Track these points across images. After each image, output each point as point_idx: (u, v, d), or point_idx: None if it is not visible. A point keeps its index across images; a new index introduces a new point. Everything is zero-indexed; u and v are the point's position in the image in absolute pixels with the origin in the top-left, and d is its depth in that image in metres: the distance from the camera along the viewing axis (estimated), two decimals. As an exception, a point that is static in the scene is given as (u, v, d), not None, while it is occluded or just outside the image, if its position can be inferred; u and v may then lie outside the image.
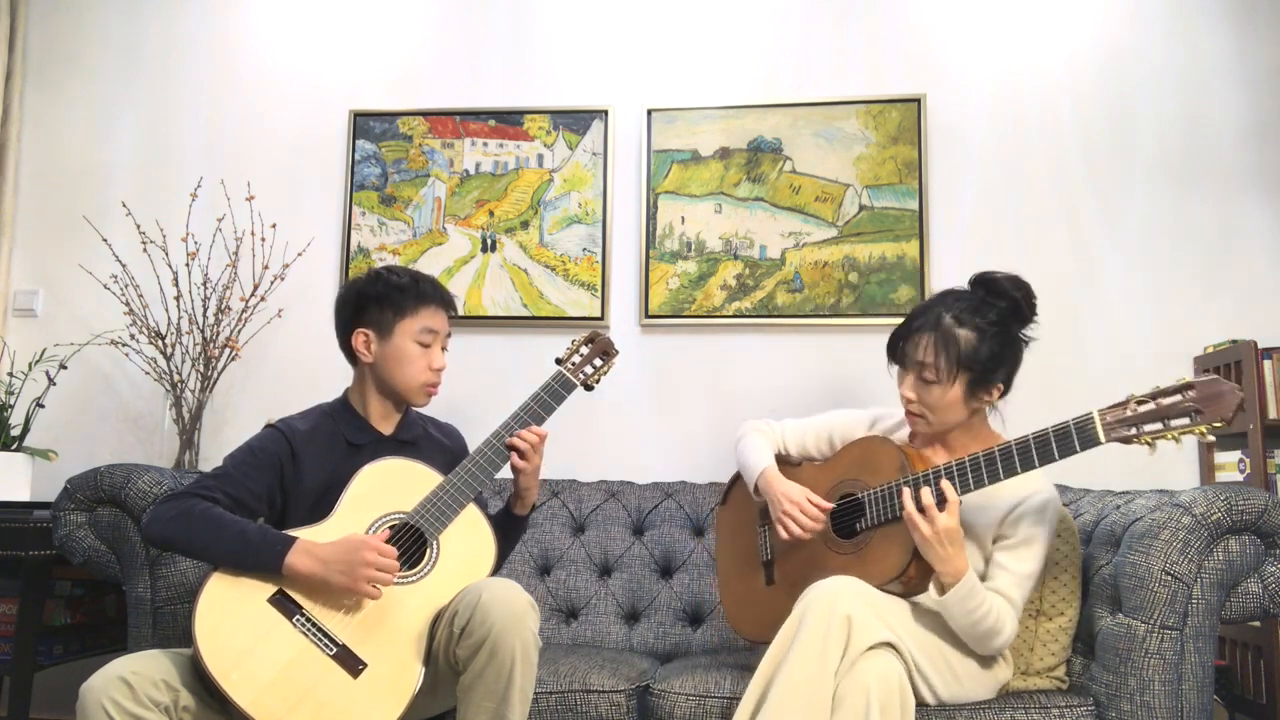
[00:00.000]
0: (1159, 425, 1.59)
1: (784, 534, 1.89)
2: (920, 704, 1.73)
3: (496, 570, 1.83)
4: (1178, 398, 1.59)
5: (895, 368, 1.92)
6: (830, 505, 1.90)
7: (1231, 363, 2.54)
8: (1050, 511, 1.82)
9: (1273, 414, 2.45)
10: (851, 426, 2.06)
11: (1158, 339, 2.75)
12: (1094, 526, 2.02)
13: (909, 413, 1.88)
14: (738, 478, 2.17)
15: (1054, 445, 1.67)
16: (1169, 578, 1.71)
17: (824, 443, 2.08)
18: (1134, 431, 1.61)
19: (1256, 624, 2.36)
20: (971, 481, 1.73)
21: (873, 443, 1.92)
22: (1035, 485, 1.81)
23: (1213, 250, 2.77)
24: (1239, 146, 2.80)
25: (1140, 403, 1.62)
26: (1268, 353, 2.49)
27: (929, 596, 1.78)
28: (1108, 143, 2.85)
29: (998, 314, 1.84)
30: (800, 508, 1.88)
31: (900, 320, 1.93)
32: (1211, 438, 1.54)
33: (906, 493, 1.73)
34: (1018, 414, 2.02)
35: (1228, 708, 2.47)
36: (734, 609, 2.10)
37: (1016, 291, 1.86)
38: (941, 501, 1.71)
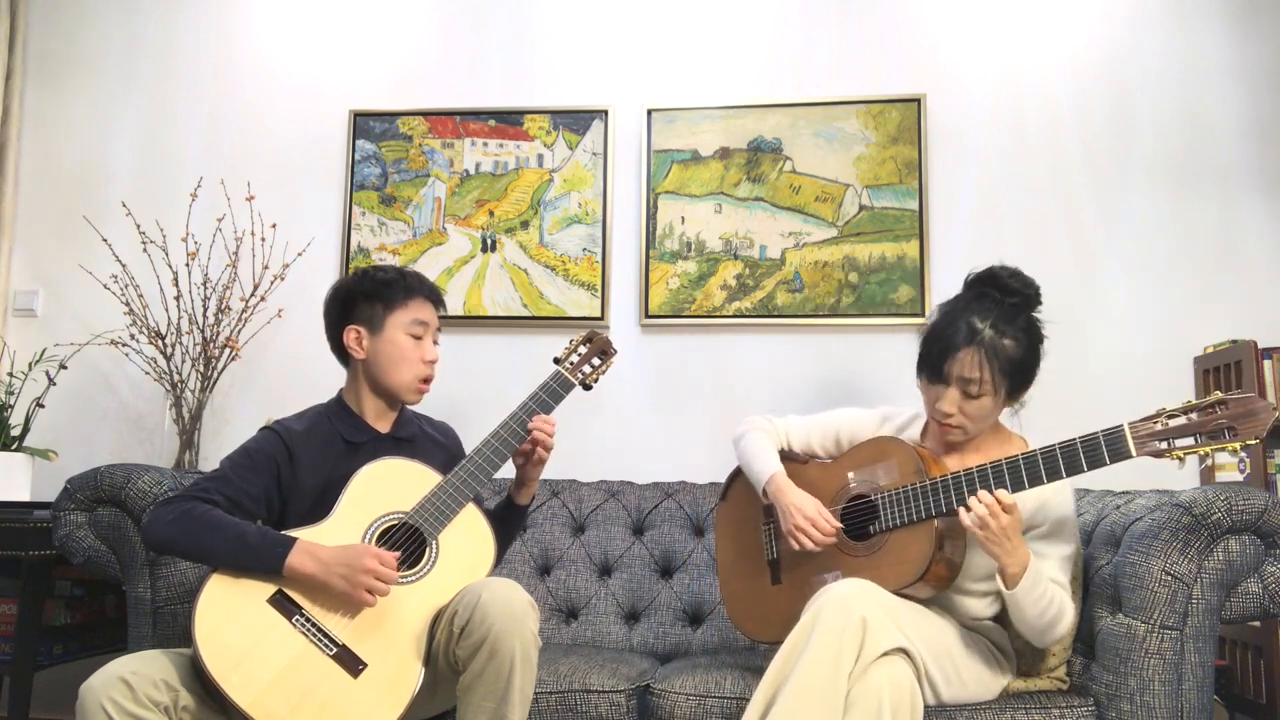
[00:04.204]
0: (1191, 441, 1.58)
1: (795, 546, 1.88)
2: (919, 704, 1.74)
3: (497, 564, 1.83)
4: (1210, 413, 1.58)
5: (923, 382, 1.88)
6: (838, 526, 1.88)
7: (1231, 363, 2.54)
8: (1068, 490, 1.83)
9: (1273, 414, 2.45)
10: (859, 426, 2.03)
11: (1158, 338, 2.75)
12: (1094, 526, 2.02)
13: (947, 425, 1.84)
14: (738, 474, 2.14)
15: (1082, 456, 1.65)
16: (1169, 578, 1.71)
17: (830, 442, 2.06)
18: (1166, 446, 1.60)
19: (1256, 624, 2.36)
20: (994, 488, 1.71)
21: (886, 443, 1.90)
22: None
23: (1213, 250, 2.77)
24: (1239, 146, 2.80)
25: (1171, 416, 1.61)
26: (1268, 353, 2.48)
27: (961, 602, 1.78)
28: (1108, 143, 2.85)
29: (1023, 316, 1.84)
30: (814, 523, 1.86)
31: (896, 321, 1.92)
32: (1243, 454, 1.54)
33: (973, 500, 1.69)
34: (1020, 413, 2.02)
35: (1228, 708, 2.47)
36: (737, 608, 2.09)
37: (1017, 282, 1.87)
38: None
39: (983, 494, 1.69)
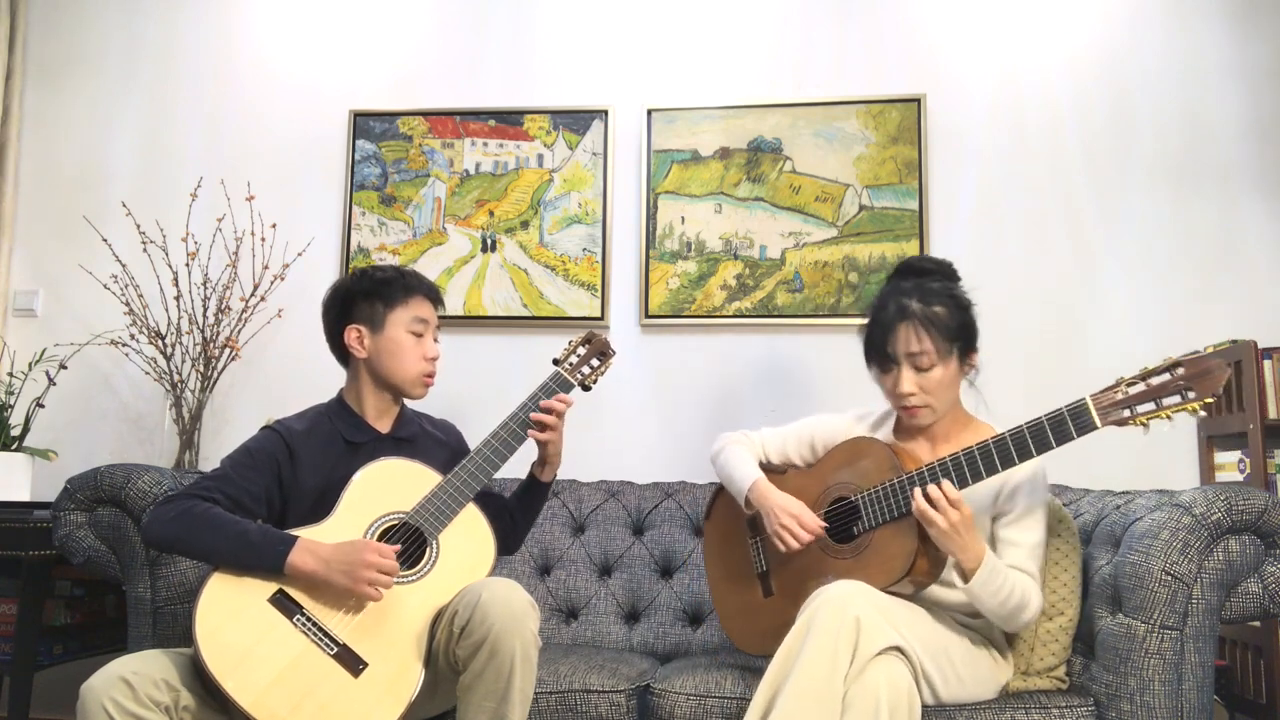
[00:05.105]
0: (1151, 405, 1.63)
1: (782, 546, 1.88)
2: (919, 704, 1.74)
3: (521, 542, 1.94)
4: (1167, 377, 1.62)
5: (876, 372, 1.94)
6: (822, 524, 1.89)
7: (1231, 363, 2.54)
8: (1040, 478, 1.85)
9: (1273, 414, 2.45)
10: (833, 430, 2.05)
11: (1158, 338, 2.75)
12: (1094, 526, 2.02)
13: (912, 407, 1.87)
14: (720, 490, 2.15)
15: (1050, 433, 1.69)
16: (1169, 578, 1.71)
17: (805, 448, 2.08)
18: (1128, 414, 1.64)
19: (1256, 624, 2.36)
20: (969, 475, 1.74)
21: (860, 443, 1.93)
22: None
23: (1213, 250, 2.77)
24: (1239, 146, 2.80)
25: (1130, 384, 1.65)
26: (1268, 353, 2.48)
27: (939, 589, 1.79)
28: (1108, 143, 2.85)
29: (943, 285, 1.91)
30: (799, 520, 1.87)
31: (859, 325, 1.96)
32: (1203, 413, 1.58)
33: (918, 493, 1.73)
34: (1017, 413, 2.02)
35: (1228, 708, 2.47)
36: (733, 624, 2.08)
37: (930, 262, 1.98)
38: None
39: (931, 490, 1.72)
